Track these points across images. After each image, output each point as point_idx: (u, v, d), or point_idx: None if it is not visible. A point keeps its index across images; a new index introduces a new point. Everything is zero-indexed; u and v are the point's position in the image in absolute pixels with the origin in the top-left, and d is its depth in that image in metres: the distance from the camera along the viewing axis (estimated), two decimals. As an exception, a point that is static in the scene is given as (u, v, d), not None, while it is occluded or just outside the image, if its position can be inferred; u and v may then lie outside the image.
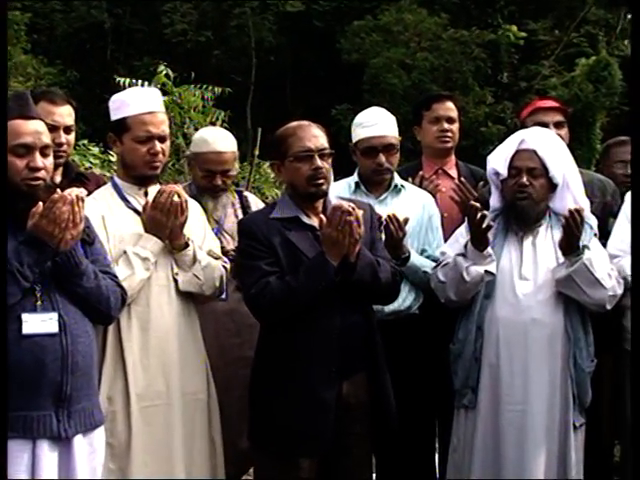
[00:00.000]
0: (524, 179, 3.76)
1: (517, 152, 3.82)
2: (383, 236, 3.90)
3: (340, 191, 4.20)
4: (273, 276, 3.31)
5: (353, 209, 3.22)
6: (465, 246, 3.78)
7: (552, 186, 3.82)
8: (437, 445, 4.52)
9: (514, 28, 19.64)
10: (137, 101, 3.58)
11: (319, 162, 3.36)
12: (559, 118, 4.45)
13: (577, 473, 3.76)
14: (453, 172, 4.65)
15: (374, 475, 4.37)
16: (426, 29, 19.34)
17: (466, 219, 3.85)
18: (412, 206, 4.23)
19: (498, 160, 3.87)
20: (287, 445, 3.34)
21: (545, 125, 4.25)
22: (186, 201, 3.54)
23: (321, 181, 3.38)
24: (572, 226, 3.64)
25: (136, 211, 3.58)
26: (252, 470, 3.97)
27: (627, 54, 20.56)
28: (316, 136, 3.41)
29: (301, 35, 20.72)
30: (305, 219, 3.43)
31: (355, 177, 4.34)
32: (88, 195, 3.19)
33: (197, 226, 3.74)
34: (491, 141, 18.16)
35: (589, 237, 3.80)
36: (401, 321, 4.13)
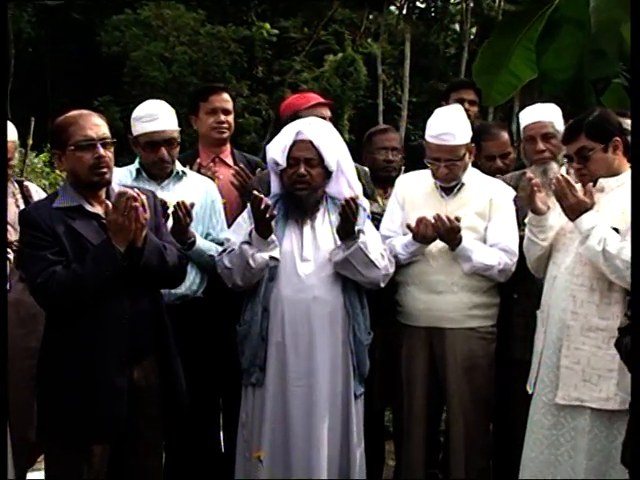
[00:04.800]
0: (302, 169, 3.78)
1: (294, 143, 3.81)
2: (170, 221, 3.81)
3: (122, 178, 4.05)
4: (59, 265, 3.12)
5: (138, 195, 3.10)
6: (250, 234, 3.75)
7: (327, 173, 3.85)
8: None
9: (267, 25, 19.89)
10: None
11: (102, 151, 3.20)
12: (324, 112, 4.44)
13: (358, 438, 3.83)
14: (229, 160, 4.61)
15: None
16: (184, 24, 19.21)
17: (249, 207, 3.82)
18: (195, 191, 4.13)
19: (276, 150, 3.84)
20: (79, 433, 3.17)
21: None
22: None
23: (104, 170, 3.22)
24: (348, 213, 3.69)
25: None
26: (42, 458, 3.77)
27: (370, 51, 21.39)
28: (97, 125, 3.24)
29: (61, 27, 20.00)
30: (89, 207, 3.25)
31: (136, 164, 4.18)
32: None
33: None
34: (248, 131, 18.35)
35: (363, 220, 3.85)
36: (188, 305, 4.04)
